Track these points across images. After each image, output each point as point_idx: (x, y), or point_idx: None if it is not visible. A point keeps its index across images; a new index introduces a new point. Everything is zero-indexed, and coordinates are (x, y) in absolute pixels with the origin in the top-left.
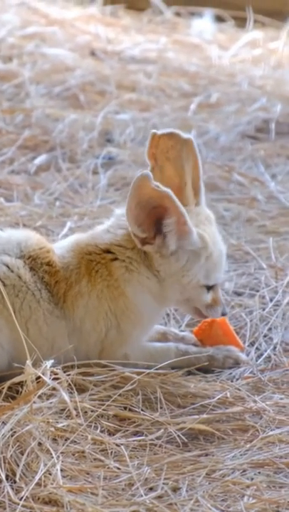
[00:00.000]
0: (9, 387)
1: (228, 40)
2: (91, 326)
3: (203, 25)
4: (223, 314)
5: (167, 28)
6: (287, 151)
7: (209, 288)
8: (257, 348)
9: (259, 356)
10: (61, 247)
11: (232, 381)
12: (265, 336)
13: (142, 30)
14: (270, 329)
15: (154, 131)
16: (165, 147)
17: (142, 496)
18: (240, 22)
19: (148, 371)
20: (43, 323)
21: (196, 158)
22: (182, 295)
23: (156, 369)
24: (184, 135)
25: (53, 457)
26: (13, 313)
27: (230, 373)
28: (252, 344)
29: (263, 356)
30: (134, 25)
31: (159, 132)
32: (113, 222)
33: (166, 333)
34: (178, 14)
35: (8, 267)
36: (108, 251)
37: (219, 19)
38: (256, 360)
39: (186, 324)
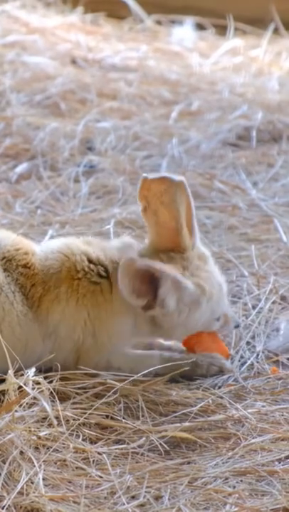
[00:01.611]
0: None
1: (208, 48)
2: (66, 334)
3: (184, 33)
4: (236, 326)
5: (148, 36)
6: (269, 159)
7: (219, 318)
8: (241, 356)
9: (242, 364)
10: (47, 248)
11: (214, 389)
12: (248, 343)
13: (123, 38)
14: (253, 337)
15: (144, 175)
16: (158, 191)
17: (124, 504)
18: (221, 30)
19: (130, 379)
20: (16, 325)
21: (189, 199)
22: (193, 330)
23: (140, 376)
24: (176, 178)
25: (35, 466)
26: None
27: (213, 381)
28: (236, 352)
29: (246, 364)
30: (115, 34)
31: (150, 177)
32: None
33: (152, 343)
34: (158, 22)
35: None
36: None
37: (200, 27)
38: (239, 368)
39: None
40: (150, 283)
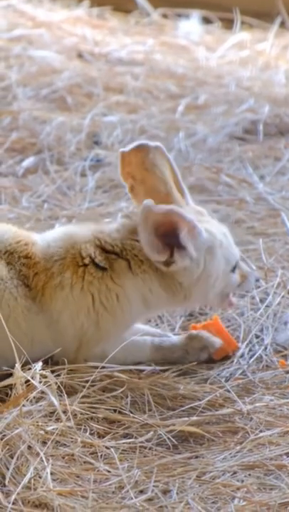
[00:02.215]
0: None
1: (215, 42)
2: (69, 320)
3: (190, 26)
4: (257, 280)
5: (154, 29)
6: (275, 152)
7: (233, 269)
8: (250, 349)
9: (250, 357)
10: (48, 236)
11: (222, 382)
12: (256, 336)
13: (129, 32)
14: (261, 330)
15: (121, 150)
16: (139, 160)
17: (132, 498)
18: (228, 23)
19: (129, 368)
20: (22, 320)
21: (170, 162)
22: (213, 292)
23: (134, 364)
24: (152, 143)
25: (42, 460)
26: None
27: (218, 374)
28: (246, 346)
29: (254, 357)
30: (121, 27)
31: (127, 149)
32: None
33: (149, 333)
34: (165, 16)
35: None
36: (117, 254)
37: (206, 21)
38: (248, 362)
39: (180, 327)
40: (165, 240)
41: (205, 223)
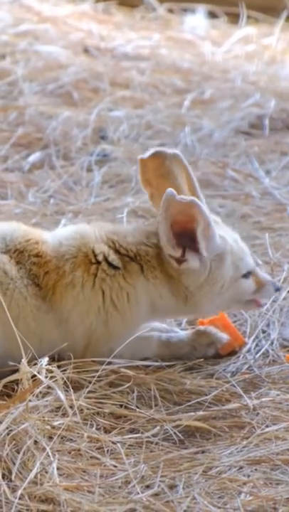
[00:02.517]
0: (4, 385)
1: (221, 36)
2: (79, 319)
3: (196, 21)
4: (277, 290)
5: (160, 24)
6: (281, 147)
7: (246, 275)
8: (256, 344)
9: (256, 352)
10: (60, 235)
11: (228, 377)
12: (263, 331)
13: (135, 27)
14: (267, 325)
15: (140, 156)
16: (155, 167)
17: (138, 493)
18: (233, 18)
19: (137, 363)
20: (31, 320)
21: (187, 169)
22: (223, 299)
23: (141, 360)
24: (170, 150)
25: (49, 455)
26: (7, 310)
27: (224, 369)
28: (252, 341)
29: (260, 352)
30: (127, 22)
31: (145, 155)
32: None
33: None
34: (170, 11)
35: None
36: (130, 258)
37: (212, 15)
38: (254, 356)
39: (187, 322)
40: (179, 239)
41: (219, 229)
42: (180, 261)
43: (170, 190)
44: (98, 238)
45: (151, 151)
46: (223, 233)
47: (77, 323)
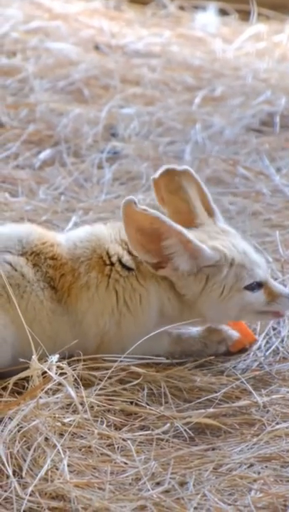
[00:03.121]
0: (15, 383)
1: (232, 34)
2: (93, 320)
3: (207, 18)
4: None
5: (171, 21)
6: None
7: (256, 287)
8: (267, 342)
9: (267, 349)
10: (75, 236)
11: (239, 374)
12: (273, 328)
13: (146, 24)
14: (278, 322)
15: (152, 177)
16: (165, 184)
17: (149, 490)
18: (244, 15)
19: (147, 360)
20: (46, 323)
21: (198, 183)
22: (229, 309)
23: (151, 358)
24: (179, 167)
25: (59, 452)
26: (20, 314)
27: (235, 366)
28: (263, 338)
29: (271, 349)
30: (138, 19)
31: (156, 175)
32: None
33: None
34: (181, 8)
35: (11, 265)
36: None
37: (223, 12)
38: (264, 354)
39: None
40: (161, 244)
41: (220, 240)
42: (156, 267)
43: (129, 198)
44: (113, 240)
45: (161, 169)
46: (223, 245)
47: (91, 323)
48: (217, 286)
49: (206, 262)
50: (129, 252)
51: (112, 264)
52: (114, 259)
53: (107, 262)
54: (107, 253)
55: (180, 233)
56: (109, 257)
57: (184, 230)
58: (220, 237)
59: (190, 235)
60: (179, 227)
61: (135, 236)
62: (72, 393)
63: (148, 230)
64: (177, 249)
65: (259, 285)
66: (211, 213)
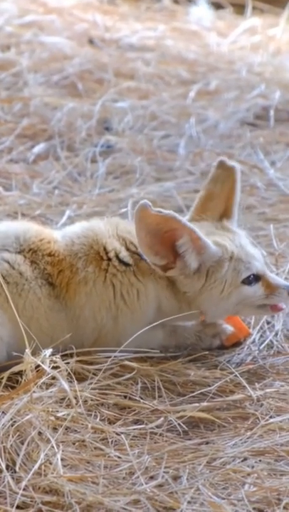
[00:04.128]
0: (9, 377)
1: (226, 27)
2: (90, 315)
3: (202, 12)
4: None
5: (165, 15)
6: (287, 138)
7: (253, 281)
8: (261, 336)
9: (261, 343)
10: (71, 232)
11: (233, 368)
12: (267, 322)
13: (140, 17)
14: (272, 316)
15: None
16: (216, 171)
17: (142, 484)
18: (239, 9)
19: (139, 354)
20: (44, 320)
21: (235, 184)
22: (228, 304)
23: (145, 351)
24: (229, 162)
25: (53, 447)
26: (16, 314)
27: (229, 360)
28: (257, 332)
29: (265, 343)
30: (132, 13)
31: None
32: None
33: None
34: (176, 1)
35: (9, 263)
36: (138, 254)
37: (217, 6)
38: (258, 348)
39: None
40: (172, 246)
41: (217, 236)
42: (165, 268)
43: (144, 201)
44: (111, 235)
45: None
46: (223, 239)
47: (88, 318)
48: (218, 283)
49: (210, 258)
50: (127, 248)
51: (109, 259)
52: (111, 254)
53: (104, 258)
54: (105, 248)
55: (192, 231)
56: (107, 253)
57: (196, 228)
58: (217, 233)
59: (198, 232)
60: (192, 226)
61: (145, 239)
62: (66, 386)
63: (160, 233)
64: (188, 247)
65: (256, 278)
66: (229, 216)
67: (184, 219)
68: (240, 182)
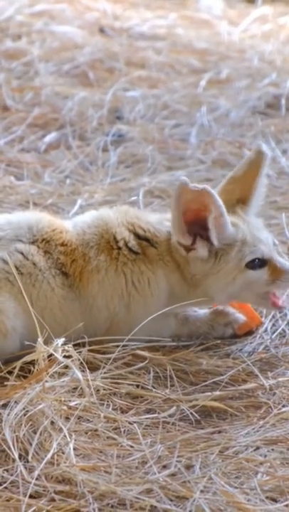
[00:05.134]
0: (21, 367)
1: (237, 16)
2: (103, 303)
3: (212, 0)
4: None
5: (176, 3)
6: None
7: (258, 265)
8: (273, 324)
9: (273, 332)
10: (82, 222)
11: (245, 357)
12: (280, 311)
13: (151, 6)
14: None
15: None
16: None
17: (155, 473)
18: None
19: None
20: (58, 310)
21: (261, 172)
22: (234, 288)
23: (158, 339)
24: (264, 147)
25: (65, 436)
26: (30, 306)
27: (241, 349)
28: (269, 321)
29: (277, 332)
30: (143, 2)
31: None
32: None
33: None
34: None
35: (22, 254)
36: (146, 239)
37: None
38: (270, 336)
39: None
40: (193, 227)
41: (232, 217)
42: (189, 249)
43: (183, 178)
44: (120, 223)
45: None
46: (238, 221)
47: (101, 307)
48: (225, 265)
49: (227, 240)
50: (136, 233)
51: (119, 248)
52: (121, 243)
53: (115, 247)
54: (114, 238)
55: (220, 206)
56: (117, 242)
57: (223, 205)
58: (238, 216)
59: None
60: (221, 202)
61: (180, 218)
62: (79, 375)
63: (191, 211)
64: (212, 225)
65: (262, 263)
66: (245, 202)
67: (216, 195)
68: (265, 170)
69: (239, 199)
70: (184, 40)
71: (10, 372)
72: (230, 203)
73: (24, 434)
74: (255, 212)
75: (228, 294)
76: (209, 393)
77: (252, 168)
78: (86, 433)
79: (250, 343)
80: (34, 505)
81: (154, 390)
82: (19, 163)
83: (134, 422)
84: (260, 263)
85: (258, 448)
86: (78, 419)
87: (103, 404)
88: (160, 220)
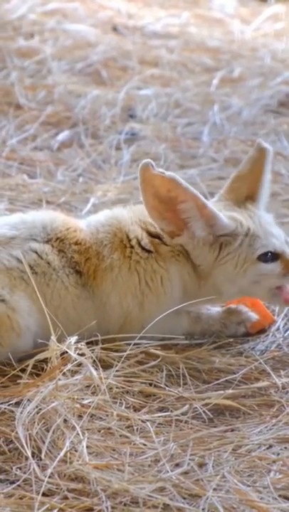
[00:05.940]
0: (34, 365)
1: (250, 15)
2: (117, 301)
3: None
4: None
5: (188, 2)
6: None
7: (270, 259)
8: (286, 323)
9: (286, 331)
10: (96, 221)
11: (257, 355)
12: None
13: (164, 5)
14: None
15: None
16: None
17: (168, 472)
18: None
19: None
20: (71, 309)
21: (265, 167)
22: (244, 282)
23: (171, 337)
24: (265, 143)
25: (78, 434)
26: (44, 305)
27: (254, 347)
28: (281, 319)
29: None
30: (156, 0)
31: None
32: None
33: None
34: None
35: (37, 253)
36: (157, 236)
37: None
38: (283, 335)
39: None
40: (178, 211)
41: (236, 213)
42: (173, 234)
43: (147, 161)
44: (133, 222)
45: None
46: (242, 215)
47: (114, 305)
48: (231, 256)
49: (221, 231)
50: (148, 231)
51: (132, 246)
52: (133, 242)
53: (128, 245)
54: (127, 236)
55: (195, 197)
56: (129, 240)
57: (199, 195)
58: (237, 210)
59: (204, 200)
60: (195, 191)
61: (152, 203)
62: (94, 372)
63: (165, 197)
64: (193, 214)
65: (275, 256)
66: (254, 198)
67: (187, 184)
68: (269, 165)
69: (247, 196)
70: (197, 38)
71: (23, 371)
72: (240, 200)
73: (37, 432)
74: (264, 208)
75: (238, 287)
76: (222, 391)
77: (256, 165)
78: (99, 431)
79: (263, 341)
80: (47, 503)
81: (166, 388)
82: (32, 162)
83: (147, 420)
84: (272, 256)
85: (270, 446)
86: (91, 417)
87: (116, 402)
88: None
